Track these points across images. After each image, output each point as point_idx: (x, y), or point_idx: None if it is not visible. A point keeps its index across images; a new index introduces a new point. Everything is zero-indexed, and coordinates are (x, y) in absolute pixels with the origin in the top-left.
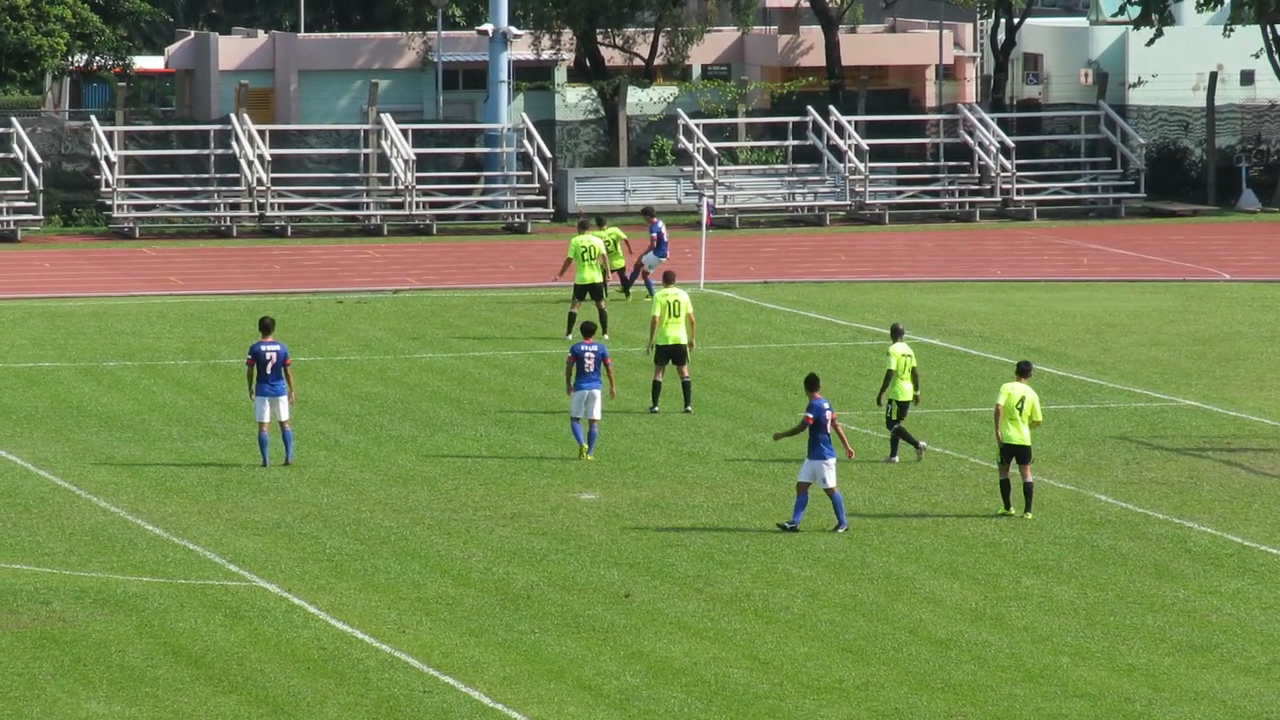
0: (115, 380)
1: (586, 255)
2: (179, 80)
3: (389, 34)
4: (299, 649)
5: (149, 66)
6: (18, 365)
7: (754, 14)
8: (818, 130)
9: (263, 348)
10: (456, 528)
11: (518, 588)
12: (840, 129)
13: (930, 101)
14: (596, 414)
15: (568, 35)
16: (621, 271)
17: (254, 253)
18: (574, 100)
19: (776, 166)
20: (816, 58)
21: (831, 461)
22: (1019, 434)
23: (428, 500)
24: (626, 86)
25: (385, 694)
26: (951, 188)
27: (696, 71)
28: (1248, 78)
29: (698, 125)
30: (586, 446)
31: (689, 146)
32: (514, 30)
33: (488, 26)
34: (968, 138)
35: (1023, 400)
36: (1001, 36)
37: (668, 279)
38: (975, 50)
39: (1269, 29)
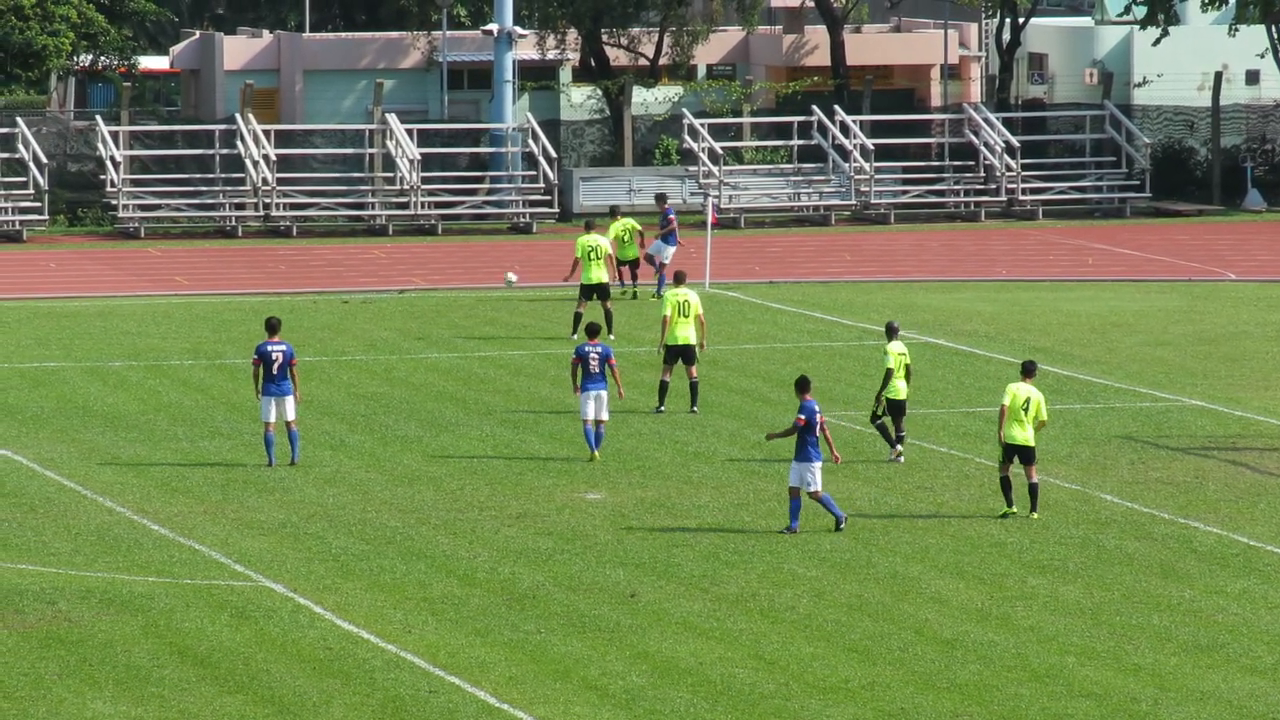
0: (121, 380)
1: (593, 255)
2: (184, 80)
3: (394, 34)
4: (305, 649)
5: (154, 66)
6: (23, 365)
7: (759, 14)
8: (823, 130)
9: (268, 348)
10: (462, 528)
11: (523, 588)
12: (845, 129)
13: (935, 101)
14: (604, 414)
15: (573, 35)
16: (635, 265)
17: (259, 253)
18: (579, 100)
19: (782, 166)
20: (821, 57)
21: (818, 465)
22: (1023, 434)
23: (433, 500)
24: (631, 86)
25: (391, 694)
26: (957, 187)
27: (701, 71)
28: (1253, 77)
29: (703, 125)
30: (594, 452)
31: (694, 146)
32: (519, 30)
33: (493, 26)
34: (973, 137)
35: (1028, 401)
36: (1006, 36)
37: (679, 279)
38: (980, 50)
39: (1274, 28)
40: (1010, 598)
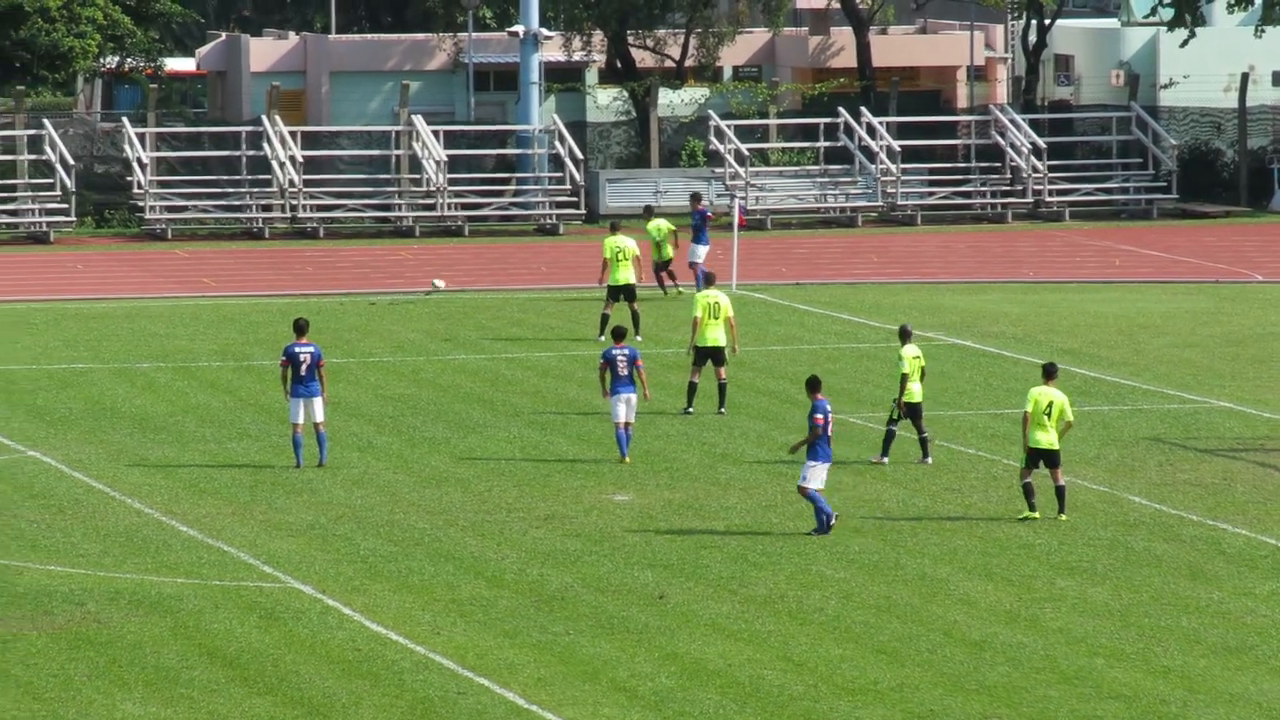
0: (149, 382)
1: (620, 256)
2: (210, 82)
3: (420, 35)
4: (334, 650)
5: (180, 68)
6: (51, 367)
7: (785, 15)
8: (849, 131)
9: (296, 349)
10: (490, 529)
11: (552, 589)
12: (872, 130)
13: (962, 103)
14: (631, 416)
15: (599, 37)
16: (669, 267)
17: (286, 254)
18: (605, 102)
19: (808, 168)
20: (847, 59)
21: (827, 465)
22: (1046, 439)
23: (461, 502)
24: (658, 88)
25: (420, 695)
26: (983, 189)
27: (728, 73)
28: (1279, 78)
29: (729, 127)
30: (624, 456)
31: (720, 148)
32: (545, 32)
33: (519, 28)
34: (999, 139)
35: (1050, 404)
36: (1032, 38)
37: (709, 280)
38: (1006, 51)
39: None
40: (1039, 599)
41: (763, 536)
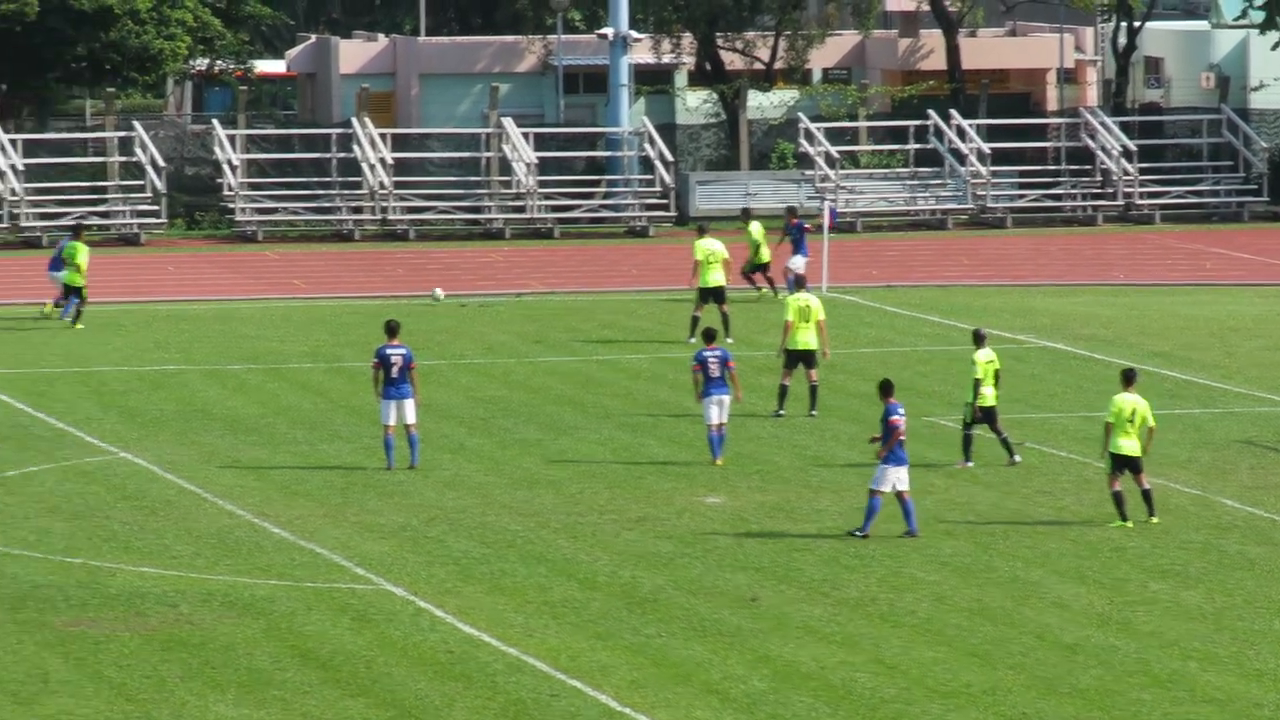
0: (240, 383)
1: (711, 259)
2: (300, 84)
3: (509, 38)
4: (426, 652)
5: (270, 70)
6: (143, 368)
7: (874, 18)
8: (939, 134)
9: (388, 351)
10: (582, 531)
11: (644, 591)
12: (961, 133)
13: (1051, 105)
14: (724, 418)
15: (688, 39)
16: (766, 269)
17: (377, 256)
18: (695, 104)
19: (898, 170)
20: (937, 61)
21: (899, 469)
22: (1130, 445)
23: (553, 504)
24: (747, 90)
25: (513, 697)
26: (1073, 191)
27: (817, 75)
28: None
29: (819, 129)
30: (717, 458)
31: (810, 150)
32: (634, 34)
33: (608, 30)
34: (1089, 141)
35: (1133, 411)
36: (1122, 40)
37: (800, 284)
38: (1096, 54)
39: None
40: (1131, 603)
41: (855, 539)
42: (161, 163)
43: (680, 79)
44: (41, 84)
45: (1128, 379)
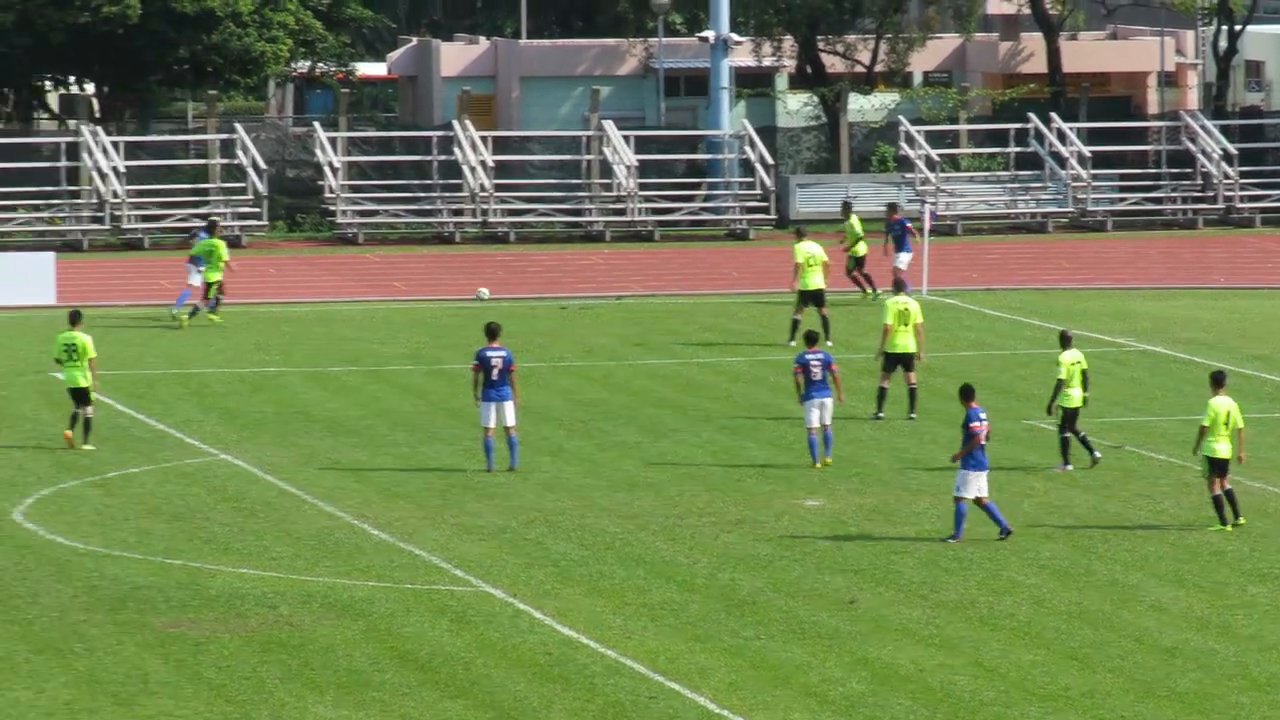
0: (340, 385)
1: (811, 261)
2: (401, 86)
3: (610, 41)
4: (525, 654)
5: (371, 73)
6: (243, 370)
7: (975, 21)
8: (1039, 137)
9: (488, 353)
10: (681, 533)
11: (743, 593)
12: (1062, 136)
13: (1152, 108)
14: (827, 419)
15: (789, 42)
16: (862, 267)
17: (477, 259)
18: (795, 107)
19: (998, 173)
20: (1038, 64)
21: (980, 475)
22: (1224, 448)
23: (652, 506)
24: (848, 93)
25: (611, 699)
26: (1174, 195)
27: (918, 78)
28: None
29: (919, 132)
30: (826, 457)
31: (910, 153)
32: (735, 37)
33: (709, 33)
34: (1190, 145)
35: (1228, 415)
36: (1223, 43)
37: (899, 287)
38: (1197, 57)
39: None
40: (1231, 606)
41: (953, 542)
42: (263, 165)
43: (781, 82)
44: (143, 86)
45: (1218, 381)
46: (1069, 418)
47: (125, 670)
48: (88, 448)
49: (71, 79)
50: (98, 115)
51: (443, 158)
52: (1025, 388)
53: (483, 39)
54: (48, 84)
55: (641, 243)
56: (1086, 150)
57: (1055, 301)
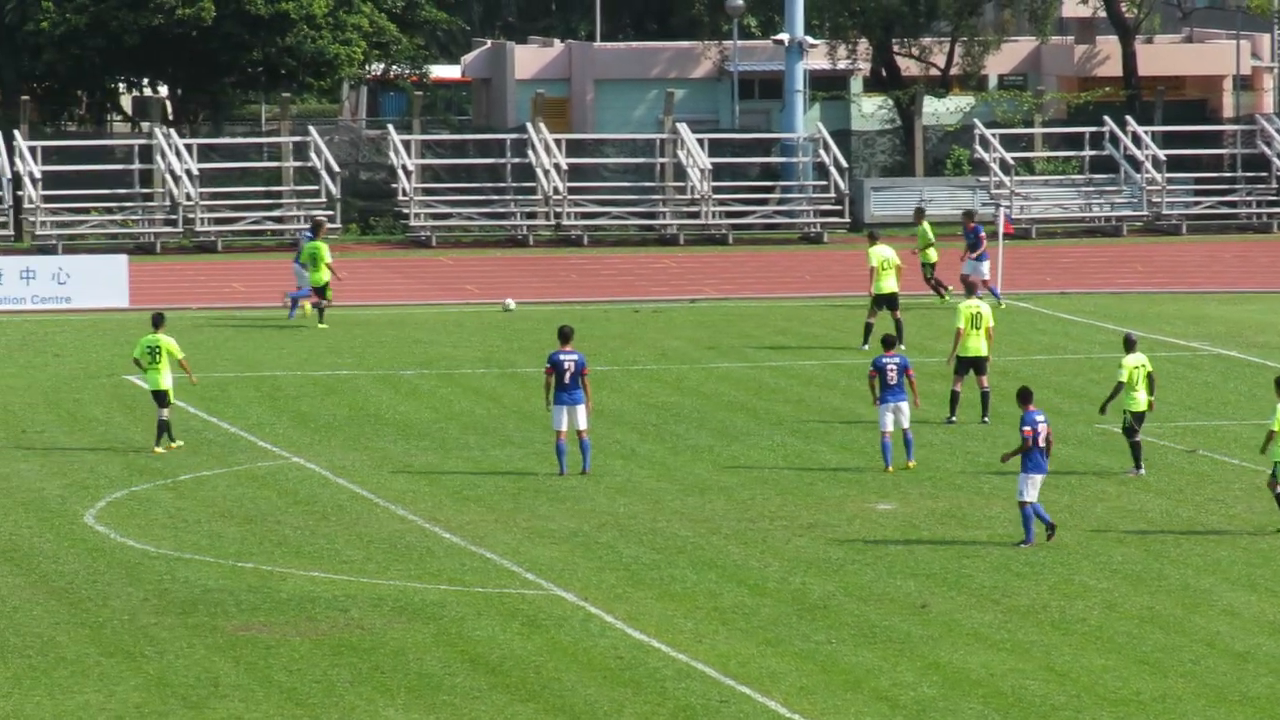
0: (412, 388)
1: (885, 265)
2: (475, 89)
3: (684, 43)
4: (596, 657)
5: (445, 75)
6: (316, 373)
7: (1051, 24)
8: (1114, 141)
9: (561, 356)
10: (753, 537)
11: (814, 598)
12: (1137, 139)
13: (1228, 112)
14: (904, 423)
15: (863, 45)
16: (933, 269)
17: (550, 262)
18: (870, 110)
19: (1073, 177)
20: (1113, 68)
21: (1039, 478)
22: None
23: (724, 510)
24: (923, 96)
25: (682, 703)
26: (1249, 199)
27: (993, 81)
28: None
29: (994, 135)
30: (908, 460)
31: (985, 156)
32: (810, 40)
33: (783, 36)
34: (1265, 148)
35: None
36: None
37: (970, 290)
38: (1273, 60)
39: None
40: None
41: (1025, 546)
42: (336, 168)
43: (856, 85)
44: (217, 88)
45: None
46: (1135, 420)
47: (195, 673)
48: (176, 445)
49: (145, 81)
50: (171, 118)
51: (516, 161)
52: (1099, 392)
53: (557, 41)
54: (121, 86)
55: (715, 246)
56: (1161, 154)
57: (1129, 305)
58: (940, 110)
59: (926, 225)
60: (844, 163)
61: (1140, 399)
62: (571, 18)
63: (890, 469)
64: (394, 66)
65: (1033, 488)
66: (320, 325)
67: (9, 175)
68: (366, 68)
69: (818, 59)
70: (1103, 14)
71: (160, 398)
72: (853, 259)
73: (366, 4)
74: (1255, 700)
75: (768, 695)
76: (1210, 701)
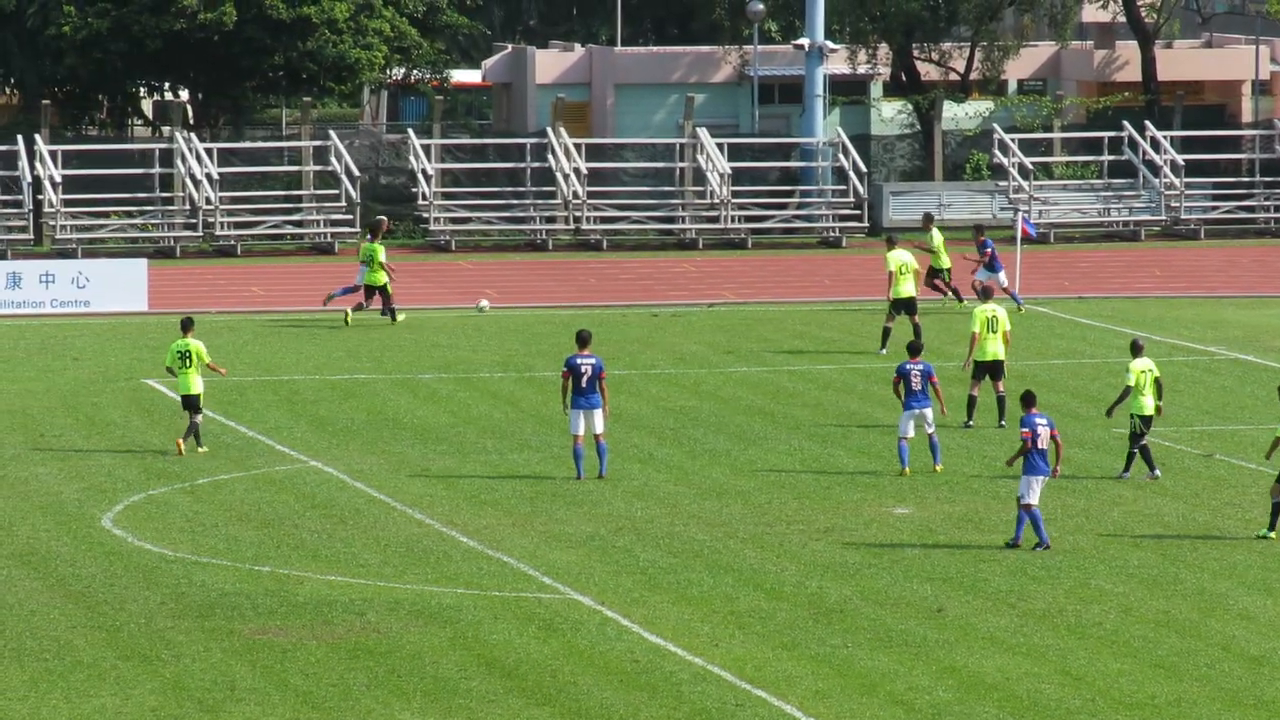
0: (431, 393)
1: (903, 270)
2: (495, 93)
3: (705, 48)
4: (612, 661)
5: (466, 80)
6: (334, 377)
7: (1070, 29)
8: (1133, 146)
9: (578, 360)
10: (770, 541)
11: (830, 602)
12: (1156, 144)
13: (1246, 117)
14: (929, 429)
15: (884, 50)
16: (943, 275)
17: (569, 266)
18: (889, 115)
19: (1092, 181)
20: (1132, 73)
21: (1039, 479)
22: None
23: (741, 514)
24: (942, 101)
25: (698, 707)
26: (1267, 203)
27: (1012, 86)
28: None
29: (1013, 140)
30: (936, 464)
31: (1004, 161)
32: (830, 45)
33: (804, 41)
34: None
35: None
36: None
37: (986, 294)
38: None
39: None
40: None
41: (1042, 550)
42: (356, 172)
43: (875, 90)
44: (238, 93)
45: None
46: (1143, 425)
47: (212, 677)
48: (202, 450)
49: (166, 85)
50: (191, 122)
51: (536, 165)
52: (1116, 397)
53: (577, 46)
54: (142, 91)
55: (734, 250)
56: (1180, 159)
57: (1147, 310)
58: (960, 115)
59: (936, 232)
60: (863, 167)
61: (1148, 404)
62: (592, 22)
63: (907, 471)
64: (415, 71)
65: (1033, 490)
66: (400, 319)
67: (29, 179)
68: (387, 72)
69: (838, 64)
70: (1122, 19)
71: (192, 402)
72: (871, 263)
73: (388, 9)
74: (1270, 704)
75: (784, 699)
76: (1225, 705)
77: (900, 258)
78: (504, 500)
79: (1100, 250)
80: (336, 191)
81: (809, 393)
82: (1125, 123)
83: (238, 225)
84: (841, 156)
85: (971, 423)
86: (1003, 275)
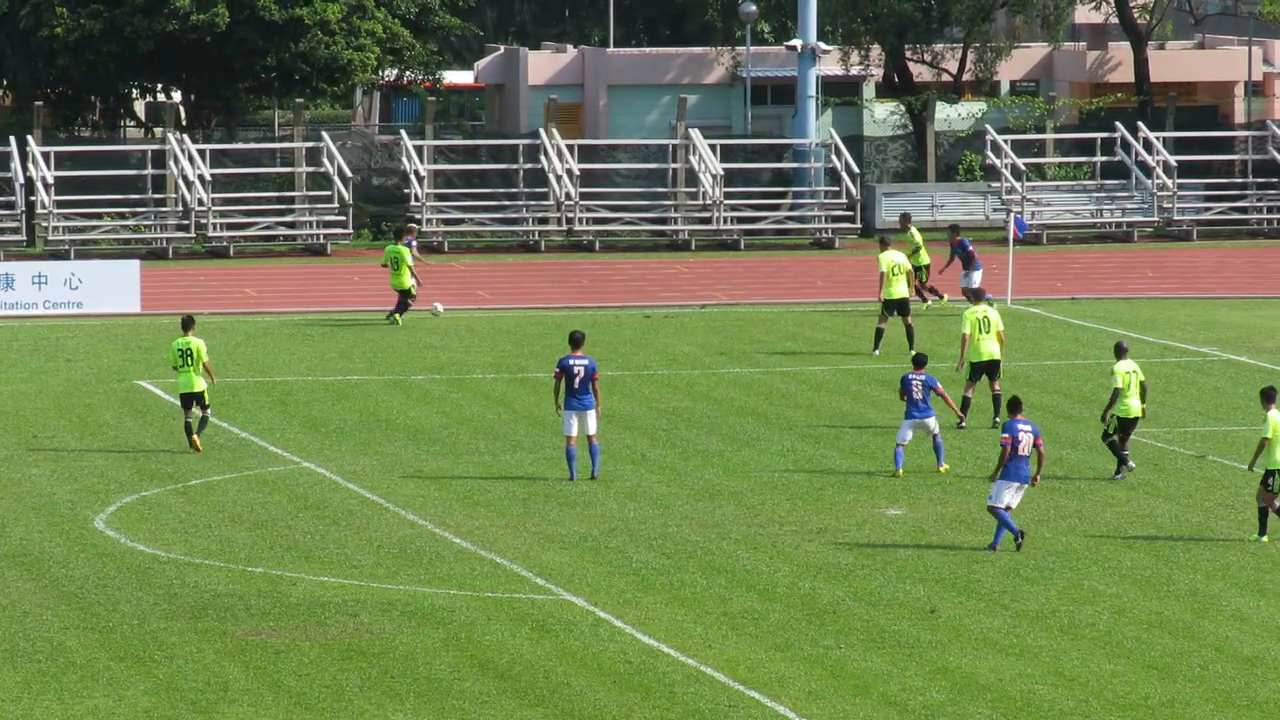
0: (423, 394)
1: (895, 271)
2: (488, 95)
3: (698, 49)
4: (605, 662)
5: (458, 81)
6: (327, 378)
7: (1063, 30)
8: (1126, 147)
9: (571, 362)
10: (763, 542)
11: (824, 602)
12: (1148, 145)
13: (1239, 118)
14: (934, 430)
15: (876, 51)
16: (925, 276)
17: (562, 267)
18: (882, 116)
19: (1084, 182)
20: (1125, 74)
21: (1017, 485)
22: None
23: (734, 515)
24: (935, 102)
25: (691, 708)
26: (1259, 204)
27: (1005, 87)
28: None
29: (1006, 141)
30: (941, 465)
31: (997, 162)
32: (823, 46)
33: (796, 42)
34: (1276, 154)
35: None
36: None
37: (978, 295)
38: None
39: None
40: None
41: (1034, 551)
42: (348, 173)
43: (868, 91)
44: (230, 94)
45: (1269, 397)
46: (1124, 427)
47: (205, 678)
48: (198, 444)
49: (158, 87)
50: (184, 123)
51: (529, 166)
52: (1108, 399)
53: (570, 47)
54: (135, 92)
55: (726, 251)
56: (1173, 159)
57: (1140, 311)
58: (952, 116)
59: (914, 231)
60: (856, 168)
61: (1134, 405)
62: (585, 23)
63: (900, 472)
64: (407, 72)
65: (1005, 495)
66: (399, 323)
67: (22, 180)
68: (380, 73)
69: (830, 65)
70: (1115, 20)
71: (194, 399)
72: (864, 264)
73: (380, 10)
74: (1263, 705)
75: (777, 700)
76: (1218, 706)
77: (892, 258)
78: (497, 501)
79: (1093, 251)
80: (329, 193)
81: (802, 394)
82: (1118, 124)
83: (230, 226)
84: (834, 158)
85: (964, 424)
86: (976, 276)
